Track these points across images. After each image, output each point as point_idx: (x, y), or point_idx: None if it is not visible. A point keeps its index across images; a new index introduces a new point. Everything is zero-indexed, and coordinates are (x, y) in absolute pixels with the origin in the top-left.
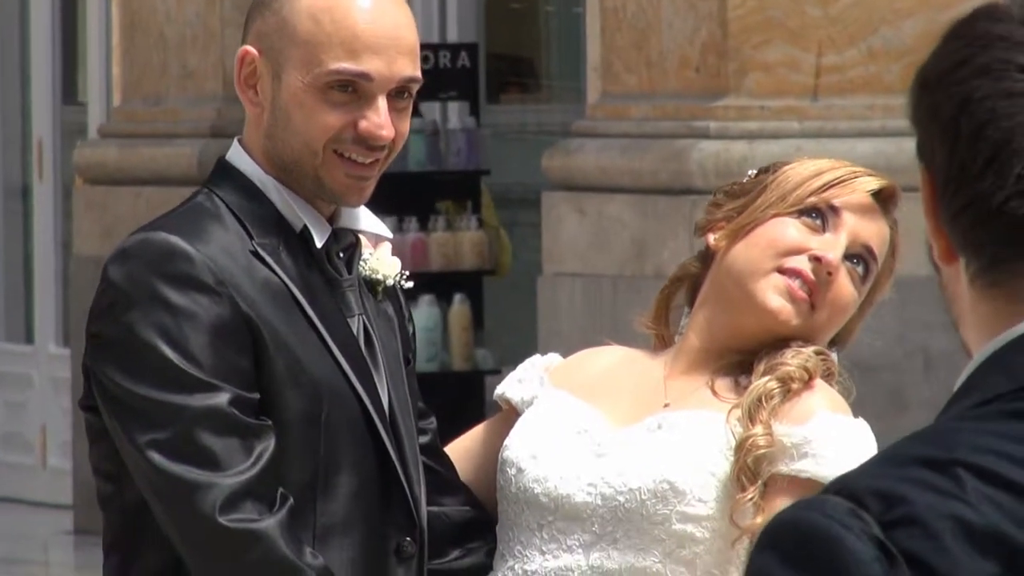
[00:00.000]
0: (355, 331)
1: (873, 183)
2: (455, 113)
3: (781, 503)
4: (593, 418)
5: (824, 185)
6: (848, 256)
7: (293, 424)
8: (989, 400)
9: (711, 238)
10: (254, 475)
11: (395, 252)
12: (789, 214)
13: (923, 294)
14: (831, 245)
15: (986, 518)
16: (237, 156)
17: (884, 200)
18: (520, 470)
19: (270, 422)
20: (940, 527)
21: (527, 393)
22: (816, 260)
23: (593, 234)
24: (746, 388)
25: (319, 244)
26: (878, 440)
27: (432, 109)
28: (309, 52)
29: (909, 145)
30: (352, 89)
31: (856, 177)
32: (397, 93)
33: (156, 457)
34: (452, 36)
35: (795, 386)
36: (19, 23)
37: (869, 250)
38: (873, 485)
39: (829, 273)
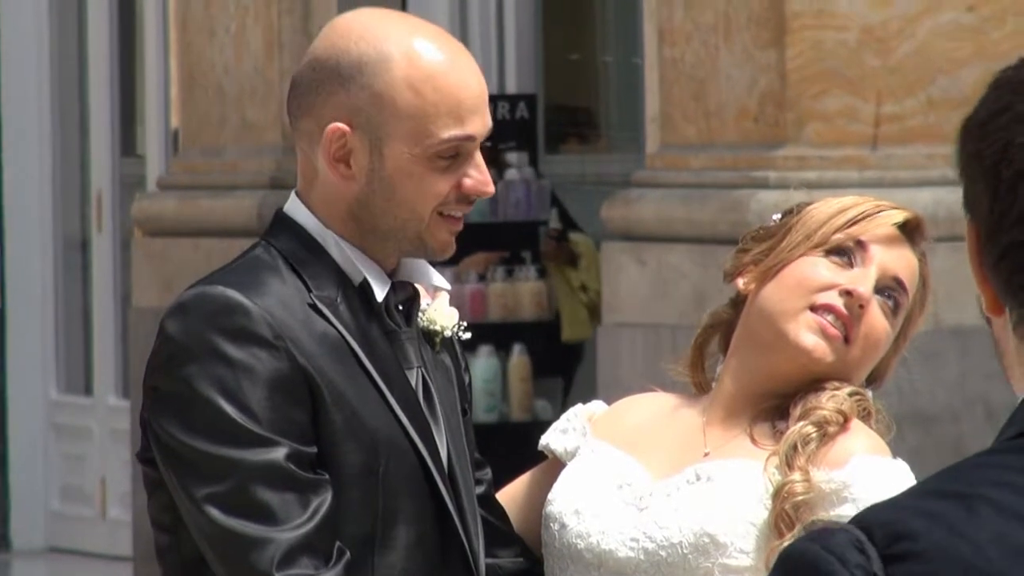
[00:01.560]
0: (414, 383)
1: (898, 216)
2: (515, 164)
3: None
4: (634, 470)
5: (849, 221)
6: (878, 290)
7: (351, 478)
8: (1022, 433)
9: (740, 282)
10: (311, 529)
11: (452, 303)
12: (816, 253)
13: (984, 343)
14: (861, 279)
15: (992, 565)
16: (295, 208)
17: (911, 232)
18: (563, 526)
19: (327, 476)
20: (941, 568)
21: (570, 444)
22: (847, 294)
23: (653, 284)
24: (783, 434)
25: (380, 297)
26: None
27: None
28: (416, 124)
29: None
30: (455, 152)
31: (880, 211)
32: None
33: (213, 511)
34: (511, 87)
35: (831, 429)
36: (78, 75)
37: (899, 282)
38: (886, 517)
39: (861, 306)
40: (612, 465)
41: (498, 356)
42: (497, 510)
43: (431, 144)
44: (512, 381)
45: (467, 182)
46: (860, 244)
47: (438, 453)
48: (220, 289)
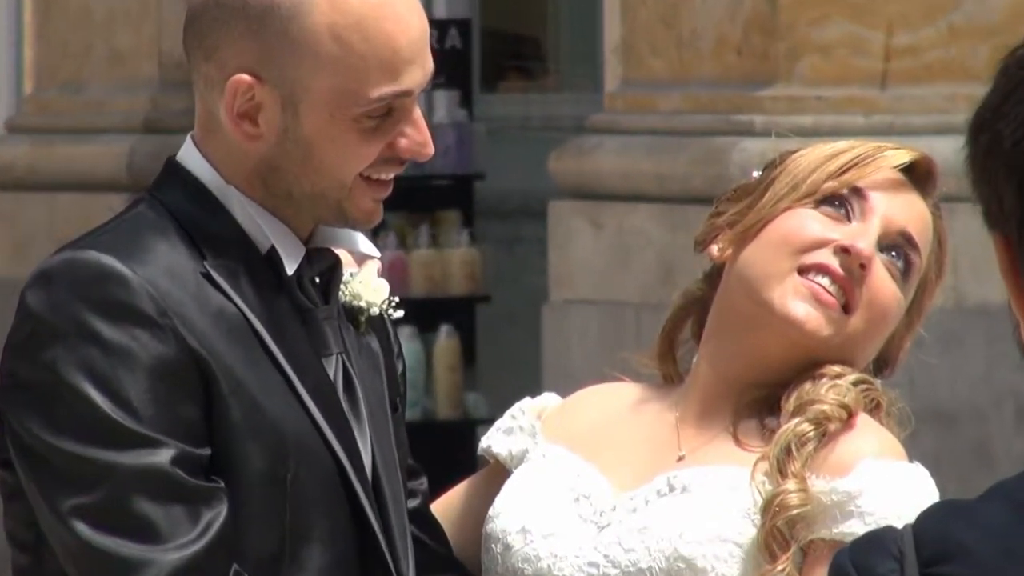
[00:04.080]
0: (332, 372)
1: (903, 156)
2: (443, 104)
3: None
4: (594, 479)
5: (843, 166)
6: (883, 247)
7: (252, 486)
8: None
9: (714, 249)
10: (201, 548)
11: (380, 274)
12: (805, 204)
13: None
14: (860, 233)
15: None
16: (190, 157)
17: (921, 179)
18: (507, 547)
19: (222, 484)
20: None
21: (516, 447)
22: (844, 251)
23: (611, 252)
24: (774, 432)
25: (290, 270)
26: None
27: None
28: (340, 81)
29: None
30: (388, 109)
31: (881, 152)
32: None
33: (81, 527)
34: (440, 11)
35: (833, 427)
36: None
37: (908, 238)
38: (939, 529)
39: (862, 266)
40: (567, 473)
41: (422, 339)
42: (433, 528)
43: (358, 104)
44: (438, 370)
45: (402, 143)
46: (858, 192)
47: (360, 458)
48: (93, 254)
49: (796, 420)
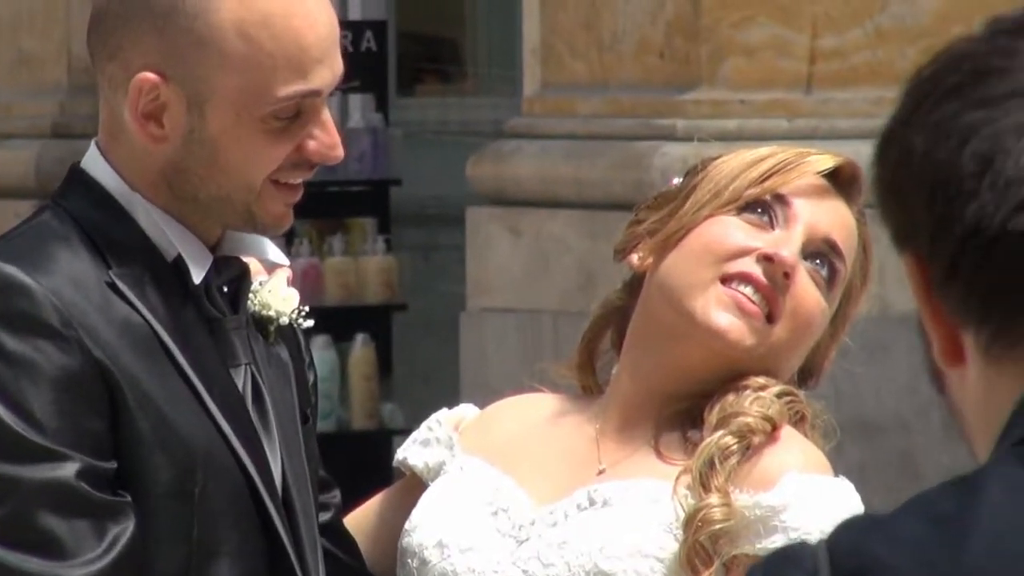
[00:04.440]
0: (240, 384)
1: (827, 161)
2: (358, 108)
3: None
4: (512, 493)
5: (766, 173)
6: (807, 255)
7: (159, 500)
8: None
9: (634, 259)
10: (107, 565)
11: (290, 280)
12: (727, 212)
13: None
14: (783, 241)
15: None
16: (95, 164)
17: (845, 184)
18: (424, 562)
19: (129, 498)
20: None
21: (433, 459)
22: (767, 260)
23: (530, 260)
24: (696, 445)
25: (197, 279)
26: None
27: (329, 103)
28: (247, 80)
29: None
30: (296, 110)
31: (805, 158)
32: None
33: None
34: (355, 13)
35: (756, 440)
36: None
37: (832, 245)
38: (856, 545)
39: (786, 275)
40: (485, 486)
41: (336, 348)
42: (345, 542)
43: (266, 104)
44: (353, 379)
45: (310, 145)
46: (781, 199)
47: (269, 471)
48: None
49: (720, 433)
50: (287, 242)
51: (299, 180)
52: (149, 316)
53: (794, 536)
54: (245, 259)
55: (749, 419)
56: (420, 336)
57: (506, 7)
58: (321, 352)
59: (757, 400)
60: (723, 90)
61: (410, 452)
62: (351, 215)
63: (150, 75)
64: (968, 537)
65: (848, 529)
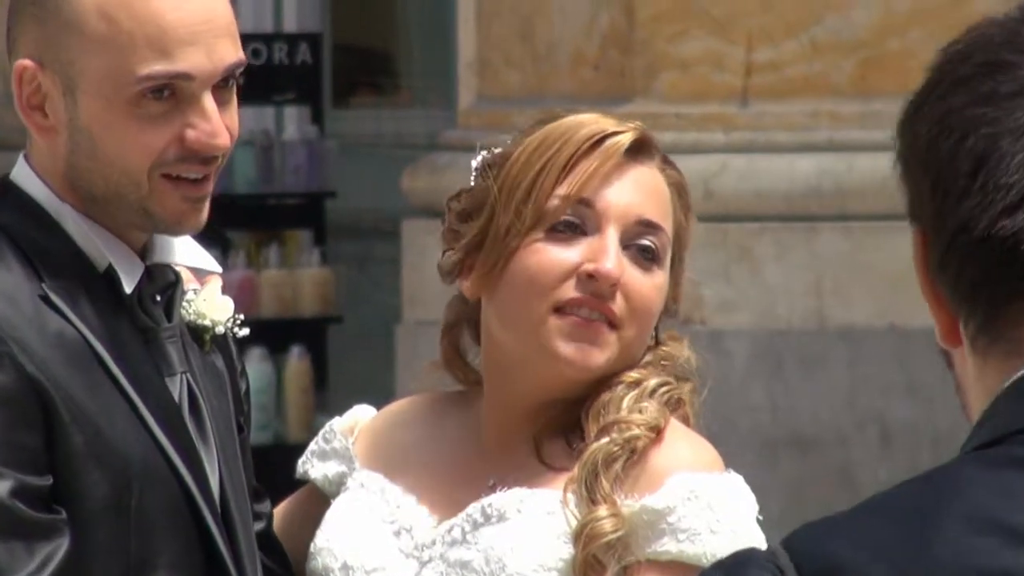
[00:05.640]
0: (176, 393)
1: (622, 140)
2: (293, 120)
3: None
4: (412, 511)
5: (560, 176)
6: (626, 244)
7: (96, 514)
8: (999, 439)
9: (465, 287)
10: None
11: (225, 291)
12: (537, 234)
13: (879, 349)
14: (601, 251)
15: None
16: (23, 175)
17: (637, 149)
18: None
19: (64, 515)
20: None
21: (331, 470)
22: (590, 278)
23: None
24: (580, 453)
25: (128, 288)
26: None
27: (264, 115)
28: (109, 60)
29: (863, 162)
30: (169, 93)
31: (595, 145)
32: (220, 84)
33: None
34: (290, 25)
35: (641, 444)
36: None
37: (647, 223)
38: (818, 547)
39: (613, 285)
40: (386, 504)
41: (272, 360)
42: (277, 552)
43: (128, 84)
44: (289, 392)
45: (189, 134)
46: (583, 203)
47: (207, 481)
48: None
49: (604, 440)
50: (223, 253)
51: (193, 175)
52: (83, 328)
53: (683, 538)
54: (177, 268)
55: (635, 431)
56: (356, 348)
57: (440, 19)
58: (257, 364)
59: (635, 401)
60: (658, 103)
61: (309, 465)
62: (287, 227)
63: (28, 63)
64: (934, 535)
65: (808, 531)
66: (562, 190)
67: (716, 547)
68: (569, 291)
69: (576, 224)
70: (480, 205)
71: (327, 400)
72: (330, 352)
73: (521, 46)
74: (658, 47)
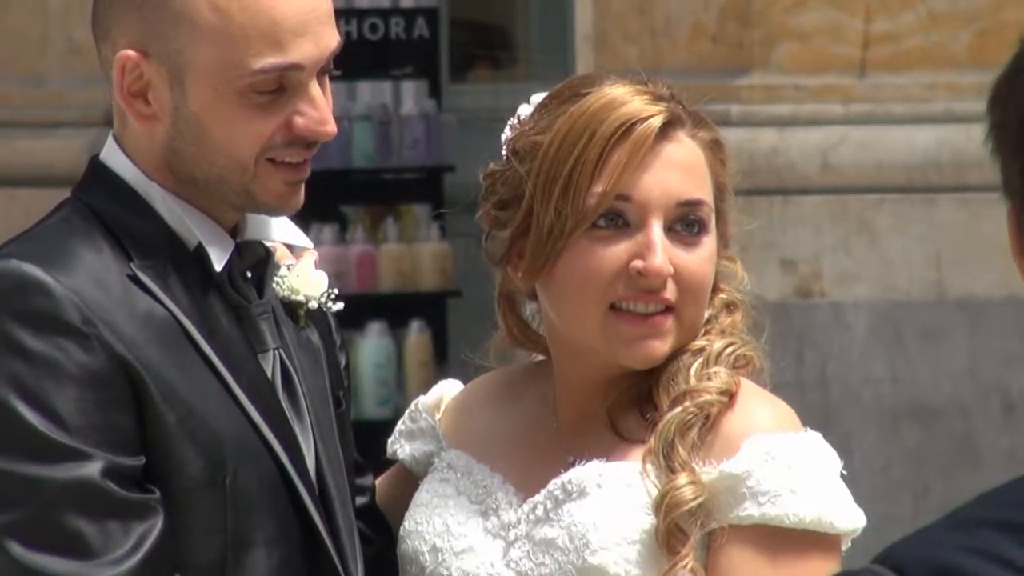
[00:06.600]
0: (269, 370)
1: (646, 128)
2: (411, 95)
3: (728, 561)
4: (500, 490)
5: (593, 175)
6: (669, 228)
7: (190, 493)
8: None
9: (516, 277)
10: (136, 563)
11: (332, 269)
12: (581, 232)
13: (1000, 319)
14: (647, 246)
15: None
16: (112, 156)
17: (669, 124)
18: (421, 568)
19: (158, 494)
20: None
21: (419, 450)
22: (639, 274)
23: None
24: (654, 424)
25: (219, 265)
26: (944, 504)
27: (382, 90)
28: (221, 52)
29: (981, 133)
30: (279, 84)
31: (622, 136)
32: (321, 69)
33: (13, 545)
34: (407, 0)
35: (715, 410)
36: None
37: (688, 202)
38: (926, 556)
39: (663, 278)
40: (473, 485)
41: (392, 335)
42: (382, 525)
43: (241, 77)
44: (409, 366)
45: (298, 122)
46: (623, 197)
47: (302, 457)
48: (15, 263)
49: (677, 409)
50: (341, 229)
51: (297, 159)
52: (173, 307)
53: (763, 500)
54: (269, 244)
55: (709, 397)
56: (475, 322)
57: None
58: (377, 339)
59: (703, 367)
60: (777, 75)
61: (397, 445)
62: (405, 201)
63: (131, 52)
64: None
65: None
66: (598, 187)
67: (798, 507)
68: (621, 289)
69: (617, 217)
70: (516, 195)
71: (447, 374)
72: (450, 326)
73: (638, 19)
74: (776, 18)
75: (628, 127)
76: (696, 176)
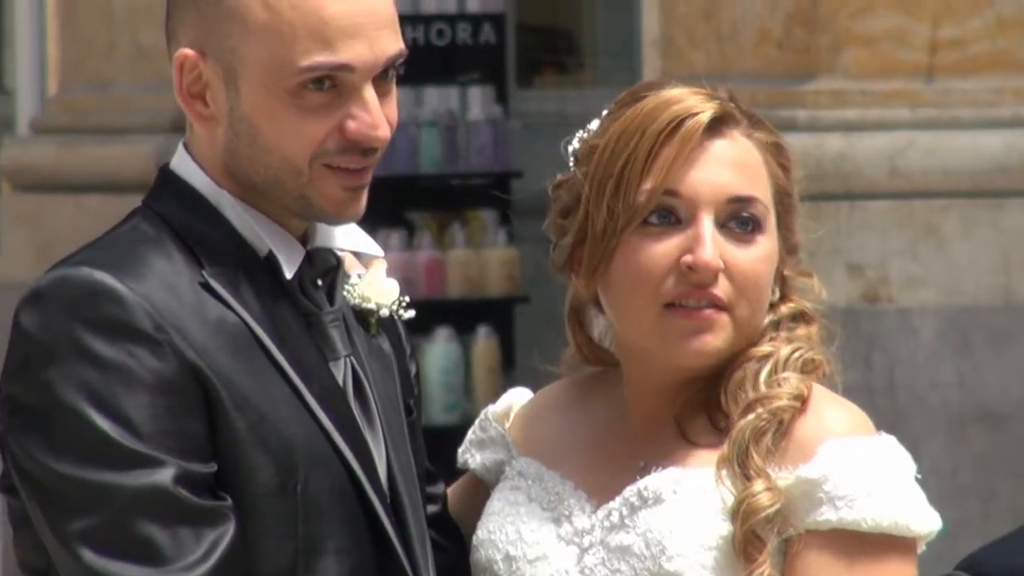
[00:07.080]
0: (340, 377)
1: (694, 123)
2: (478, 101)
3: (806, 567)
4: (572, 498)
5: (643, 172)
6: (721, 224)
7: (261, 500)
8: None
9: (580, 285)
10: (208, 570)
11: (400, 275)
12: (632, 228)
13: None
14: (697, 241)
15: None
16: (182, 163)
17: (720, 121)
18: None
19: (229, 501)
20: None
21: (490, 459)
22: (689, 269)
23: None
24: (725, 431)
25: (289, 273)
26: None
27: (449, 96)
28: (270, 49)
29: None
30: (331, 85)
31: (671, 133)
32: (380, 75)
33: (85, 552)
34: (474, 5)
35: (788, 415)
36: None
37: (739, 199)
38: (1009, 563)
39: (713, 272)
40: (544, 492)
41: (460, 341)
42: (454, 534)
43: (289, 74)
44: (478, 372)
45: (350, 125)
46: (672, 193)
47: (373, 464)
48: (86, 271)
49: (750, 416)
50: (408, 235)
51: (354, 165)
52: (244, 314)
53: (840, 505)
54: (340, 252)
55: (779, 403)
56: (543, 328)
57: None
58: (444, 345)
59: (773, 378)
60: (843, 80)
61: (468, 455)
62: (471, 207)
63: (189, 52)
64: None
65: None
66: (648, 183)
67: (874, 511)
68: (673, 286)
69: (668, 214)
70: (576, 201)
71: (515, 380)
72: (517, 331)
73: (705, 24)
74: (842, 24)
75: (678, 123)
76: (749, 174)
